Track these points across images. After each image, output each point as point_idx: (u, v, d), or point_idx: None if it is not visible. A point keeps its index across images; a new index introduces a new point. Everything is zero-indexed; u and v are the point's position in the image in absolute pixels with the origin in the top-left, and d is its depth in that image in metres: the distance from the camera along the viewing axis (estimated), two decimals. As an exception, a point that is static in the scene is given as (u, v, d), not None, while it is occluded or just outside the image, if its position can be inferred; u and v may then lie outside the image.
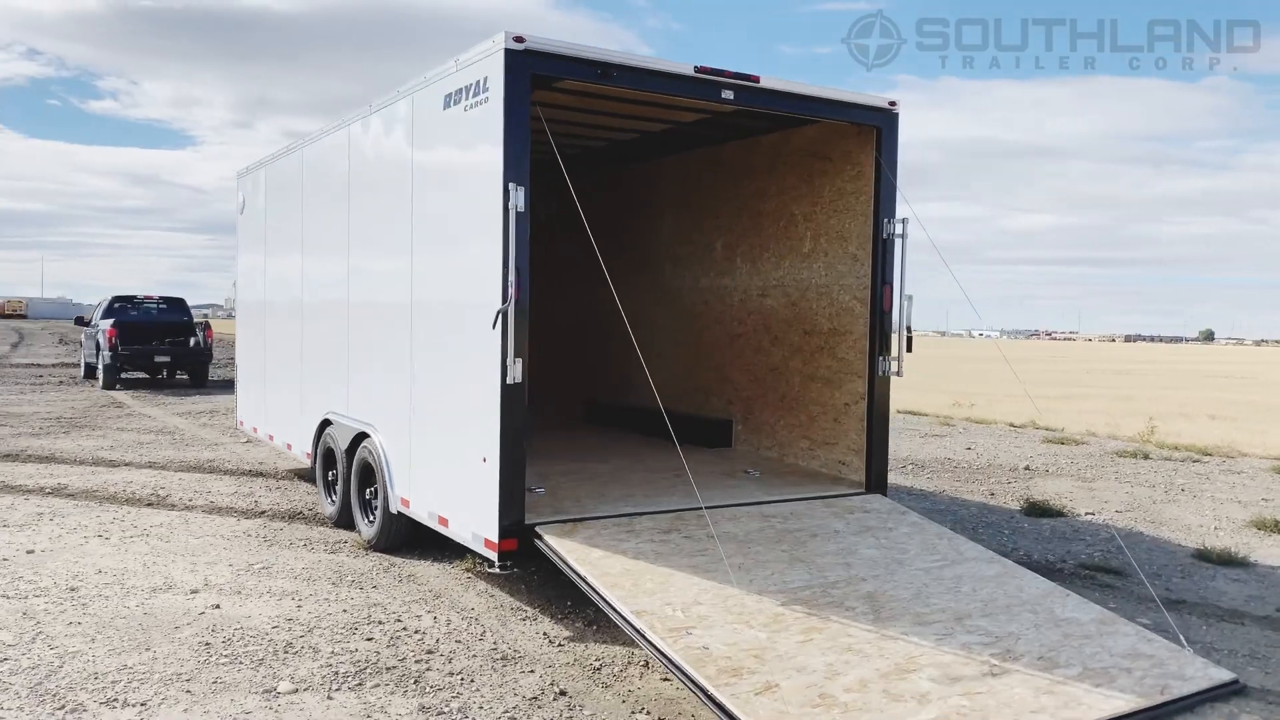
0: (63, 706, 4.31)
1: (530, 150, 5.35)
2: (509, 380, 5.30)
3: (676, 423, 8.89)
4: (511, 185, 5.25)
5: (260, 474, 10.29)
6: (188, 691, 4.49)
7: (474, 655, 5.06)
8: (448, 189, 6.05)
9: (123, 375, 21.07)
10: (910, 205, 6.67)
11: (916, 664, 4.48)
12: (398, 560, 6.84)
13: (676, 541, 5.58)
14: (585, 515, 5.76)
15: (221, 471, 10.41)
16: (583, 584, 4.99)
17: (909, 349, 6.80)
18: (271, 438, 9.72)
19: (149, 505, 8.59)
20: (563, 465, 7.25)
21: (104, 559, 6.73)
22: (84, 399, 18.26)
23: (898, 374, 6.79)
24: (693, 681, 4.17)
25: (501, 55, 5.27)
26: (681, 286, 8.92)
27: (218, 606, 5.75)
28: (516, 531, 5.45)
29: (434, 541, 6.81)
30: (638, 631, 4.55)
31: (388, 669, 4.82)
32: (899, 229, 6.70)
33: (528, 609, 5.88)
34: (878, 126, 6.69)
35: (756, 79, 6.07)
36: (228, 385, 20.07)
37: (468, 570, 6.58)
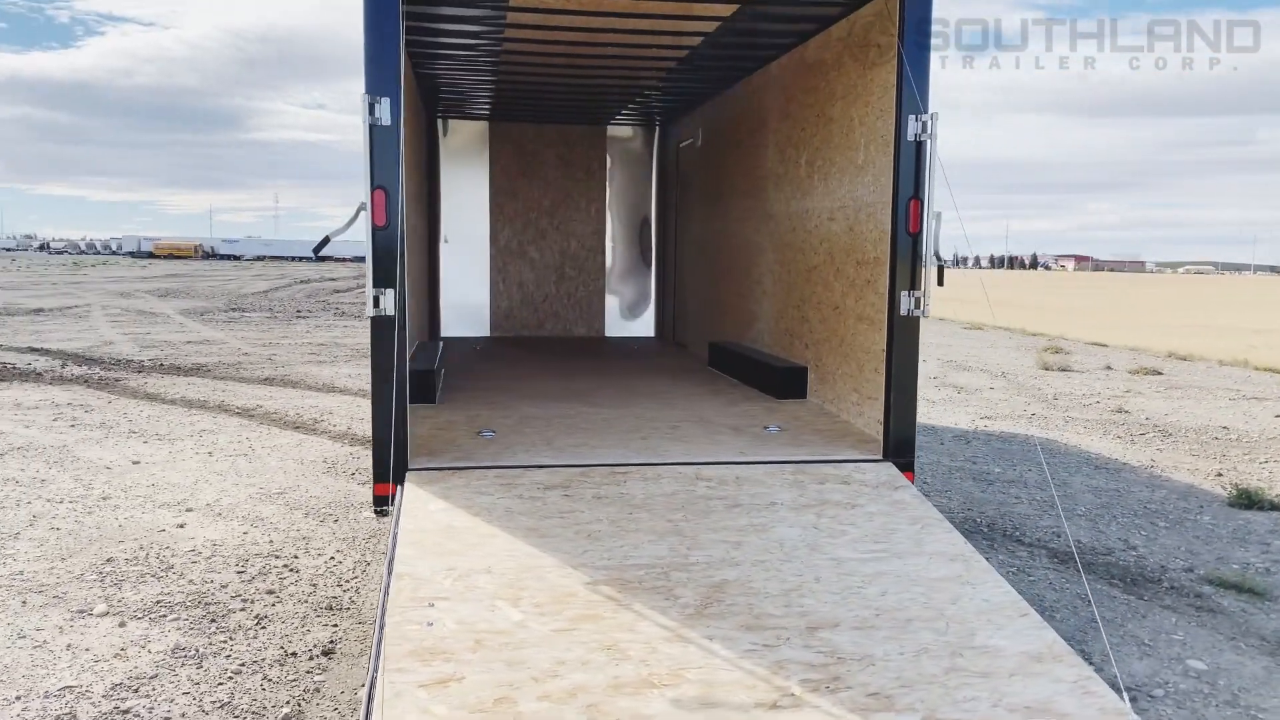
0: (-79, 602, 4.74)
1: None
2: (370, 311, 4.91)
3: (762, 370, 7.85)
4: (368, 96, 4.79)
5: (429, 405, 10.73)
6: (24, 602, 4.74)
7: (305, 601, 4.81)
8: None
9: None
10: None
11: (679, 679, 3.48)
12: (402, 497, 6.74)
13: (550, 500, 4.85)
14: (478, 464, 5.21)
15: (403, 401, 11.00)
16: (390, 539, 4.51)
17: (940, 282, 5.31)
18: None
19: (295, 429, 9.31)
20: (560, 410, 6.64)
21: (175, 474, 7.37)
22: (410, 333, 20.39)
23: (924, 314, 5.34)
24: (374, 660, 3.59)
25: None
26: (777, 212, 7.75)
27: (182, 526, 6.04)
28: (392, 476, 5.07)
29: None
30: (382, 597, 4.02)
31: (208, 604, 4.74)
32: (927, 128, 5.22)
33: (435, 559, 5.50)
34: (899, -8, 5.23)
35: None
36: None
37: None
